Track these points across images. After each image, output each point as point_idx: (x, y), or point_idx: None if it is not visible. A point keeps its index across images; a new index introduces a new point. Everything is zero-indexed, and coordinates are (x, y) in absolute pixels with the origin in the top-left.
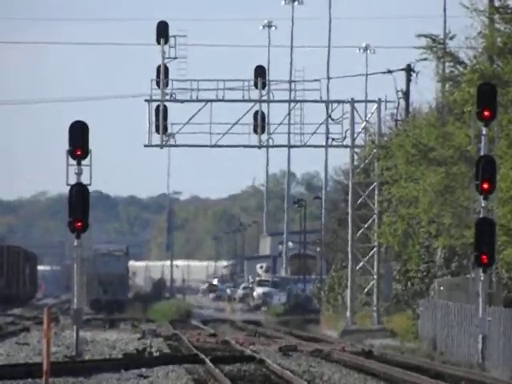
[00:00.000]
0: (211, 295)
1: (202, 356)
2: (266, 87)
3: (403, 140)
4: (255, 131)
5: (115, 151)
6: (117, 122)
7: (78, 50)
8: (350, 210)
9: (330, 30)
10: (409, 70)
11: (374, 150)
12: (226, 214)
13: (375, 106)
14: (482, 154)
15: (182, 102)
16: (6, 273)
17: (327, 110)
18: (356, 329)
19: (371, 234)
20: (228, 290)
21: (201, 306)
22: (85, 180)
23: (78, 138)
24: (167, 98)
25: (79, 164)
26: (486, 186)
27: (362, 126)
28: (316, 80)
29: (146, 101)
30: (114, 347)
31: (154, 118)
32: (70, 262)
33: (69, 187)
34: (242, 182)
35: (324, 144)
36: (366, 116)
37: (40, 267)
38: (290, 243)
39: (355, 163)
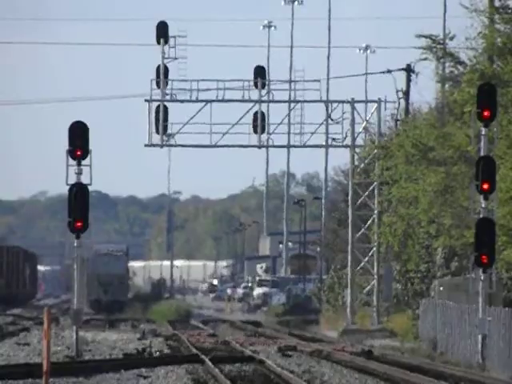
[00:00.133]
0: (211, 295)
1: (202, 356)
2: (266, 87)
3: (403, 140)
4: (255, 131)
5: (115, 151)
6: (117, 122)
7: (78, 50)
8: (350, 210)
9: (329, 30)
10: (409, 70)
11: (374, 150)
12: (226, 214)
13: (375, 106)
14: (481, 154)
15: (182, 101)
16: (5, 273)
17: (327, 110)
18: (356, 329)
19: (371, 234)
20: (228, 290)
21: (201, 306)
22: (85, 180)
23: (78, 138)
24: (167, 98)
25: (79, 164)
26: (485, 186)
27: (362, 126)
28: (316, 80)
29: (146, 101)
30: (113, 347)
31: (154, 118)
32: (70, 262)
33: (69, 187)
34: (242, 182)
35: (324, 144)
36: (366, 116)
37: (40, 267)
38: (290, 243)
39: (355, 163)
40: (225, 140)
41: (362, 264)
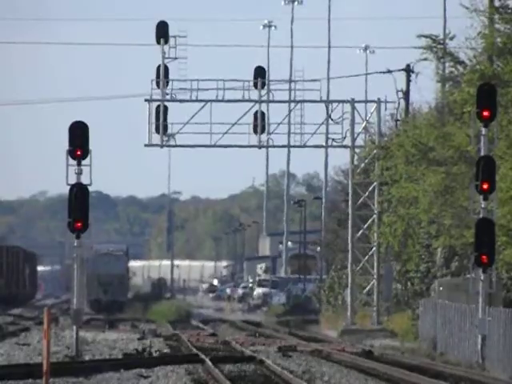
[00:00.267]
0: (211, 295)
1: (202, 356)
2: (266, 87)
3: (403, 140)
4: (255, 131)
5: (115, 151)
6: (117, 122)
7: (78, 50)
8: (350, 210)
9: (329, 30)
10: (409, 70)
11: (374, 151)
12: (226, 214)
13: (375, 106)
14: (481, 154)
15: (182, 101)
16: (5, 273)
17: (327, 110)
18: (356, 329)
19: (371, 234)
20: (228, 290)
21: (201, 305)
22: (85, 180)
23: (78, 138)
24: (167, 97)
25: (79, 164)
26: (485, 186)
27: (362, 126)
28: (316, 80)
29: (146, 101)
30: (113, 347)
31: (154, 118)
32: (69, 262)
33: (69, 187)
34: (242, 182)
35: (324, 144)
36: (366, 116)
37: (40, 267)
38: (290, 243)
39: (355, 163)
40: (225, 140)
41: (361, 264)
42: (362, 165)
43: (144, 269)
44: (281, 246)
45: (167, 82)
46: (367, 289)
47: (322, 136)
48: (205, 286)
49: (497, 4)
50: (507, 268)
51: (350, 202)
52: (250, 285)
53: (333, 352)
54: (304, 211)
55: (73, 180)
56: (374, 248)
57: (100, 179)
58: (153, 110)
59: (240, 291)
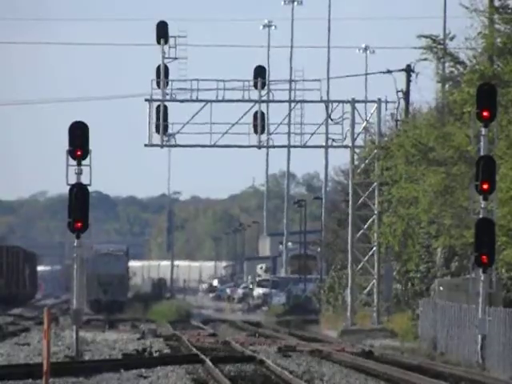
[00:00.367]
0: (211, 295)
1: (202, 356)
2: (266, 87)
3: (403, 140)
4: (255, 131)
5: (115, 151)
6: (117, 122)
7: (78, 50)
8: (350, 211)
9: (329, 30)
10: (409, 70)
11: (374, 151)
12: (226, 214)
13: (375, 106)
14: (481, 154)
15: (182, 101)
16: (5, 273)
17: (327, 110)
18: (356, 329)
19: (371, 234)
20: (227, 290)
21: (201, 306)
22: (85, 180)
23: (78, 138)
24: (167, 97)
25: (79, 164)
26: (485, 186)
27: (362, 126)
28: (316, 80)
29: (146, 101)
30: (113, 347)
31: (154, 118)
32: (69, 262)
33: (69, 187)
34: (242, 182)
35: (324, 144)
36: (366, 116)
37: (40, 267)
38: (290, 243)
39: (355, 163)
40: (225, 140)
41: (361, 264)
42: (362, 165)
43: (143, 269)
44: (281, 246)
45: (167, 82)
46: (367, 289)
47: (322, 136)
48: (204, 286)
49: (497, 4)
50: (507, 268)
51: (350, 202)
52: (250, 285)
53: (333, 352)
54: (304, 211)
55: (73, 180)
56: (374, 248)
57: (100, 179)
58: (153, 110)
59: (240, 291)
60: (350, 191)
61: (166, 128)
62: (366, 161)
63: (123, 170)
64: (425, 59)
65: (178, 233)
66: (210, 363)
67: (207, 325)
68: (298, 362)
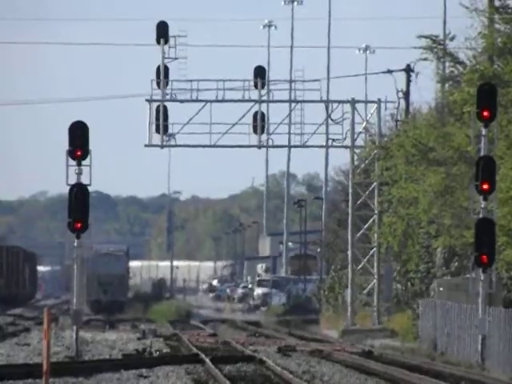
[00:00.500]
0: (211, 295)
1: (202, 356)
2: (266, 87)
3: (403, 140)
4: (255, 131)
5: (115, 151)
6: (117, 122)
7: (78, 50)
8: (350, 211)
9: (329, 30)
10: (409, 70)
11: (374, 151)
12: (226, 214)
13: (375, 106)
14: (481, 154)
15: (182, 102)
16: (5, 273)
17: (327, 110)
18: (356, 329)
19: (371, 234)
20: (227, 290)
21: (201, 305)
22: (85, 180)
23: (78, 138)
24: (167, 98)
25: (79, 164)
26: (485, 186)
27: (362, 126)
28: (316, 80)
29: (146, 101)
30: (113, 347)
31: (154, 118)
32: (69, 262)
33: (69, 187)
34: (242, 182)
35: (324, 144)
36: (366, 116)
37: (40, 267)
38: (290, 243)
39: (355, 163)
40: (225, 140)
41: (362, 264)
42: (362, 165)
43: (142, 269)
44: (281, 246)
45: (167, 82)
46: (367, 289)
47: (322, 136)
48: (204, 285)
49: (497, 4)
50: (507, 268)
51: (350, 203)
52: (250, 285)
53: (333, 352)
54: (304, 211)
55: (73, 180)
56: (375, 248)
57: (100, 179)
58: (153, 110)
59: (240, 291)
60: (350, 191)
61: (166, 128)
62: (366, 161)
63: (123, 170)
64: (425, 59)
65: (178, 233)
66: (209, 363)
67: (207, 325)
68: (298, 362)
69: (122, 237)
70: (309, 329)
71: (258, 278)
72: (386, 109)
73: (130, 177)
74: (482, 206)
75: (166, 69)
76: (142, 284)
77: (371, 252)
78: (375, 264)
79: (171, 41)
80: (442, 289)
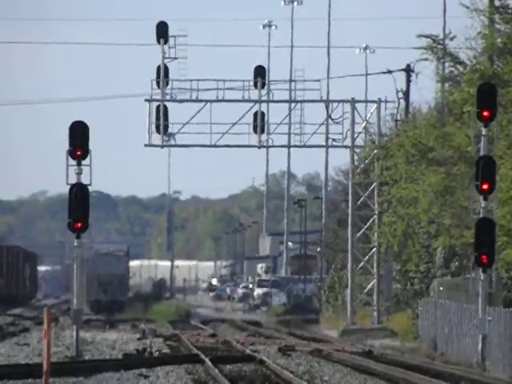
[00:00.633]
0: (211, 294)
1: (202, 356)
2: (266, 87)
3: (403, 140)
4: (255, 131)
5: (115, 151)
6: (117, 122)
7: (77, 50)
8: (350, 211)
9: (329, 30)
10: (409, 70)
11: (374, 151)
12: (226, 214)
13: (375, 106)
14: (481, 154)
15: (182, 101)
16: (6, 273)
17: (327, 110)
18: (356, 329)
19: (371, 234)
20: (227, 290)
21: (201, 305)
22: (85, 180)
23: (78, 138)
24: (167, 97)
25: (79, 164)
26: (485, 186)
27: (362, 126)
28: (316, 80)
29: (146, 101)
30: (113, 347)
31: (154, 118)
32: (69, 262)
33: (69, 187)
34: (242, 182)
35: (324, 144)
36: (366, 116)
37: (40, 267)
38: (291, 243)
39: (355, 163)
40: (225, 140)
41: (362, 264)
42: (362, 165)
43: (142, 268)
44: (281, 246)
45: (167, 82)
46: (367, 289)
47: (322, 136)
48: (204, 285)
49: (497, 4)
50: (507, 268)
51: (350, 203)
52: (250, 285)
53: (333, 352)
54: (304, 211)
55: (73, 180)
56: (374, 248)
57: (100, 179)
58: (153, 110)
59: (240, 291)
60: (350, 191)
61: (166, 128)
62: (366, 161)
63: (123, 170)
64: (425, 59)
65: (178, 233)
66: (209, 363)
67: (207, 325)
68: (298, 362)
69: (122, 237)
70: (309, 329)
71: (258, 278)
72: (385, 109)
73: (130, 177)
74: (482, 205)
75: (166, 69)
76: (142, 284)
77: (371, 252)
78: (375, 264)
79: (171, 41)
80: (441, 289)
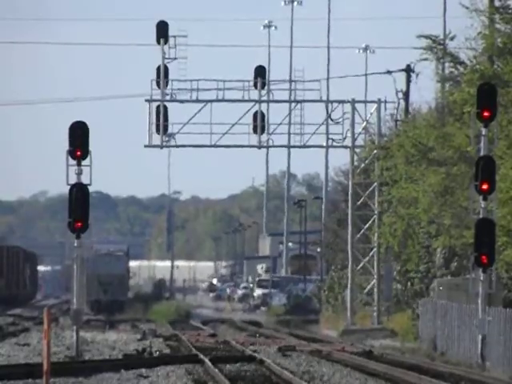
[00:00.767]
0: (211, 295)
1: (202, 356)
2: (266, 87)
3: (403, 140)
4: (255, 131)
5: (115, 151)
6: (117, 122)
7: (78, 50)
8: (350, 211)
9: (329, 30)
10: (409, 70)
11: (374, 151)
12: (226, 215)
13: (375, 106)
14: (481, 154)
15: (182, 102)
16: (6, 273)
17: (327, 110)
18: (356, 329)
19: (371, 234)
20: (228, 290)
21: (201, 305)
22: (85, 180)
23: (78, 139)
24: (167, 98)
25: (79, 164)
26: (485, 186)
27: (362, 126)
28: (316, 80)
29: (146, 101)
30: (113, 348)
31: (154, 118)
32: (70, 262)
33: (69, 187)
34: (242, 182)
35: (324, 144)
36: (366, 116)
37: (40, 267)
38: (291, 243)
39: (355, 164)
40: (225, 140)
41: (362, 264)
42: (362, 165)
43: (140, 269)
44: (281, 246)
45: (167, 82)
46: (367, 289)
47: (322, 136)
48: (204, 285)
49: (497, 4)
50: (507, 268)
51: (350, 203)
52: (251, 285)
53: (333, 352)
54: (304, 211)
55: (73, 180)
56: (375, 248)
57: (100, 179)
58: (153, 110)
59: (240, 291)
60: (350, 191)
61: (165, 128)
62: (366, 161)
63: (123, 170)
64: (425, 59)
65: (178, 233)
66: (209, 363)
67: (207, 325)
68: (297, 362)
69: (122, 237)
70: (309, 329)
71: (257, 279)
72: (385, 109)
73: (130, 177)
74: (482, 206)
75: (166, 69)
76: (142, 284)
77: (371, 252)
78: (375, 264)
79: (171, 41)
80: (441, 289)
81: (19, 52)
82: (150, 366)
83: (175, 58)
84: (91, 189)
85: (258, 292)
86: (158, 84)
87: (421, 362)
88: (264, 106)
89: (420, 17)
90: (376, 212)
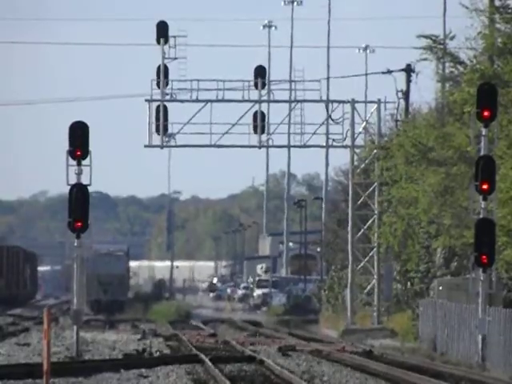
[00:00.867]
0: (211, 295)
1: (202, 356)
2: (266, 87)
3: (403, 140)
4: (255, 131)
5: (115, 151)
6: (117, 122)
7: (77, 50)
8: (350, 211)
9: (329, 31)
10: (409, 70)
11: (374, 151)
12: (226, 214)
13: (375, 106)
14: (481, 154)
15: (182, 101)
16: (6, 273)
17: (327, 110)
18: (356, 329)
19: (371, 234)
20: (228, 290)
21: (201, 305)
22: (85, 180)
23: (78, 139)
24: (167, 98)
25: (79, 164)
26: (485, 186)
27: (362, 126)
28: (316, 80)
29: (146, 101)
30: (113, 348)
31: (154, 118)
32: (69, 262)
33: (69, 187)
34: (242, 182)
35: (324, 144)
36: (366, 116)
37: (40, 267)
38: (291, 243)
39: (355, 163)
40: (225, 140)
41: (362, 264)
42: (362, 165)
43: (140, 269)
44: (281, 246)
45: (167, 82)
46: (367, 289)
47: (323, 136)
48: (204, 285)
49: (497, 4)
50: (507, 268)
51: (350, 203)
52: (251, 285)
53: (333, 352)
54: (305, 211)
55: (73, 180)
56: (375, 248)
57: (100, 179)
58: (153, 110)
59: (240, 291)
60: (350, 191)
61: (165, 128)
62: (366, 161)
63: (123, 170)
64: (425, 59)
65: (177, 233)
66: (209, 363)
67: (207, 325)
68: (297, 362)
69: (122, 237)
70: (309, 329)
71: (257, 278)
72: (385, 109)
73: (130, 177)
74: (482, 206)
75: (166, 69)
76: (142, 284)
77: (371, 252)
78: (375, 264)
79: (171, 41)
80: (441, 288)
81: (19, 52)
82: (150, 365)
83: (175, 58)
84: (91, 189)
85: (257, 292)
86: (157, 84)
87: (421, 362)
88: (264, 106)
89: (420, 17)
90: (376, 212)
